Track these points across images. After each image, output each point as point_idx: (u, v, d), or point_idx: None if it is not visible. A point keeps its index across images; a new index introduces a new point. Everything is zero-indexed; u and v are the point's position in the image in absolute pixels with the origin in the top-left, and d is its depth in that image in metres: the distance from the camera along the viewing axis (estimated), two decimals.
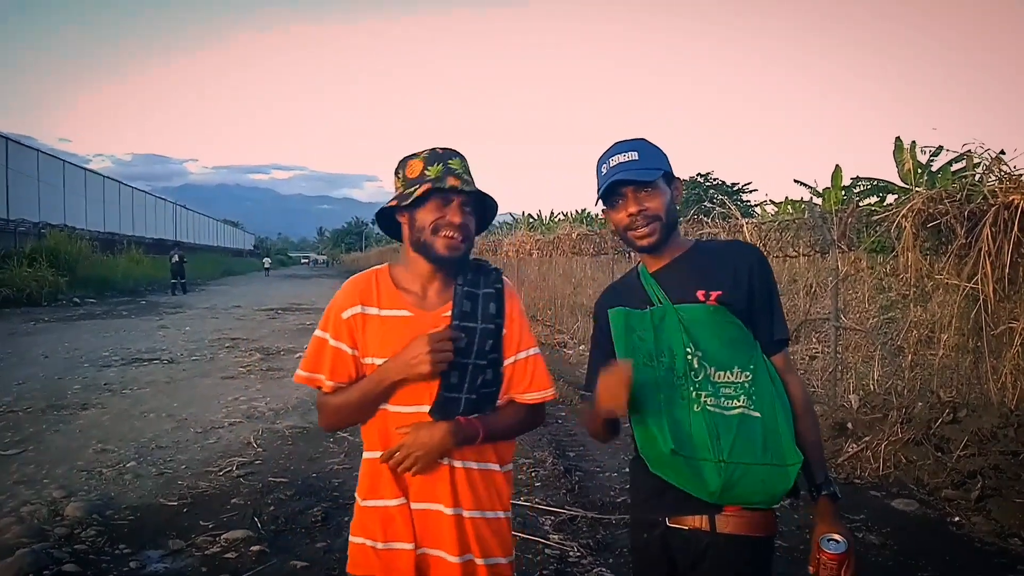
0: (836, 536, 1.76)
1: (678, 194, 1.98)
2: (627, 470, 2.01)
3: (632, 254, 11.36)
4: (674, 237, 1.96)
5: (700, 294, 1.84)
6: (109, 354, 11.54)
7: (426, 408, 1.87)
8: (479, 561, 1.89)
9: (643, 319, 1.90)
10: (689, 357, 1.83)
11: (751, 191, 34.70)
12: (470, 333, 1.89)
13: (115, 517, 4.61)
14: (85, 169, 37.60)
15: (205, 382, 9.39)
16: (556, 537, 4.32)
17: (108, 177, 41.12)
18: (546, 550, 4.14)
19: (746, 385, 1.82)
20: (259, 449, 6.23)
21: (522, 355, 1.98)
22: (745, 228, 8.45)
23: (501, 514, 1.97)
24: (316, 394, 1.98)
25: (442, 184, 1.83)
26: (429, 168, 1.87)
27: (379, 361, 1.88)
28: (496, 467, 1.97)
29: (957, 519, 4.63)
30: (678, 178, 2.00)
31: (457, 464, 1.89)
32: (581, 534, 4.40)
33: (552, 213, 38.96)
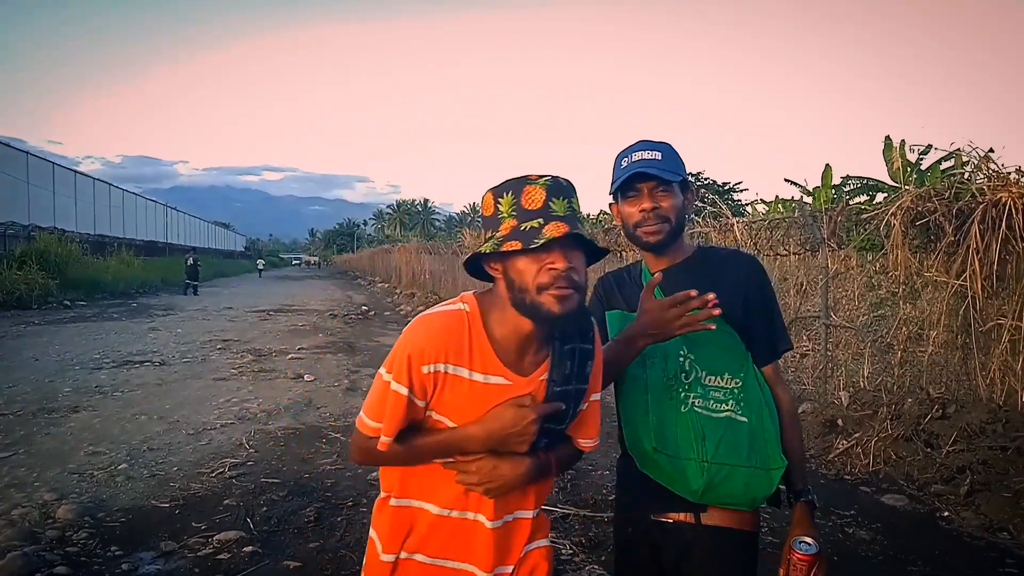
0: (807, 539, 1.81)
1: (690, 204, 2.00)
2: (616, 465, 2.06)
3: (623, 255, 11.38)
4: (679, 242, 1.98)
5: (693, 293, 1.79)
6: (100, 356, 11.49)
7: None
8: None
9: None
10: (682, 360, 1.88)
11: (742, 190, 34.79)
12: (569, 398, 1.63)
13: (107, 519, 4.60)
14: (75, 171, 37.44)
15: (197, 384, 9.36)
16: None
17: (98, 179, 40.96)
18: None
19: (735, 391, 1.87)
20: (251, 450, 6.22)
21: (594, 399, 1.75)
22: (736, 227, 8.49)
23: (540, 544, 1.78)
24: (357, 431, 1.66)
25: (544, 230, 1.49)
26: (555, 202, 1.53)
27: (451, 424, 1.61)
28: (529, 514, 1.74)
29: (946, 514, 4.67)
30: (692, 188, 2.02)
31: (497, 524, 1.68)
32: (573, 532, 4.42)
33: None
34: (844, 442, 5.80)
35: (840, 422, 6.13)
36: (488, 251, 1.55)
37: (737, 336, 1.90)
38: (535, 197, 1.52)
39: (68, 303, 22.47)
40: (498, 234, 1.54)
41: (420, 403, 1.58)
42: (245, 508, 4.80)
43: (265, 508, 4.82)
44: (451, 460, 1.64)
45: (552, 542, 4.16)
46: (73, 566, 3.91)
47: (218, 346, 12.98)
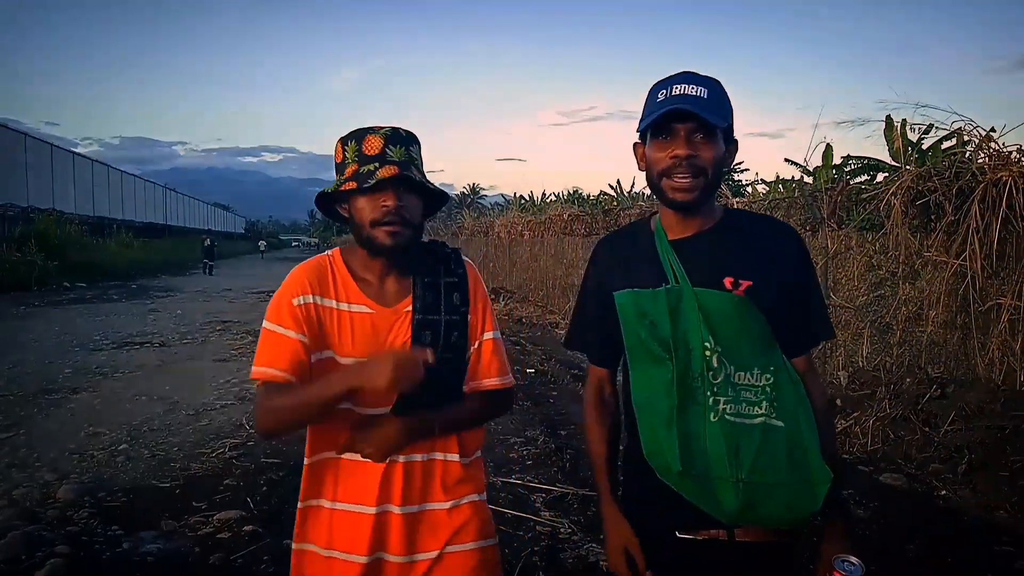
0: (852, 559, 1.54)
1: (732, 159, 1.65)
2: (626, 487, 1.83)
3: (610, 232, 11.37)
4: (709, 203, 1.64)
5: (728, 281, 1.56)
6: (100, 338, 11.50)
7: (385, 408, 1.73)
8: (450, 549, 1.80)
9: (657, 301, 1.60)
10: (708, 354, 1.56)
11: (742, 171, 34.70)
12: (434, 327, 1.77)
13: (107, 499, 4.62)
14: (73, 152, 37.32)
15: (197, 365, 9.38)
16: (547, 514, 4.36)
17: (97, 161, 40.84)
18: (537, 527, 4.17)
19: (768, 389, 1.57)
20: (251, 430, 6.23)
21: (486, 337, 1.86)
22: (736, 207, 8.47)
23: (446, 505, 1.82)
24: (256, 393, 1.77)
25: (377, 172, 1.66)
26: (392, 148, 1.70)
27: (341, 359, 1.74)
28: (455, 457, 1.84)
29: (944, 493, 4.68)
30: (736, 141, 1.67)
31: (400, 459, 1.77)
32: (572, 511, 4.43)
33: (544, 194, 38.89)
34: (843, 422, 5.81)
35: (839, 402, 6.15)
36: (330, 191, 1.75)
37: (767, 324, 1.58)
38: (374, 144, 1.70)
39: (67, 285, 22.50)
40: (342, 178, 1.72)
41: (300, 337, 1.71)
42: (245, 488, 4.82)
43: (265, 488, 4.83)
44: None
45: (551, 521, 4.20)
46: (74, 545, 3.92)
47: (218, 327, 13.00)
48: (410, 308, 1.78)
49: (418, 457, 1.79)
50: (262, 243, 74.29)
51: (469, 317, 1.83)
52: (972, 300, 5.35)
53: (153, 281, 27.13)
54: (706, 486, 1.55)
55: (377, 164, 1.67)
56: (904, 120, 7.41)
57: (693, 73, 1.60)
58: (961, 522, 4.31)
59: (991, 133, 5.65)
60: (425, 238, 1.88)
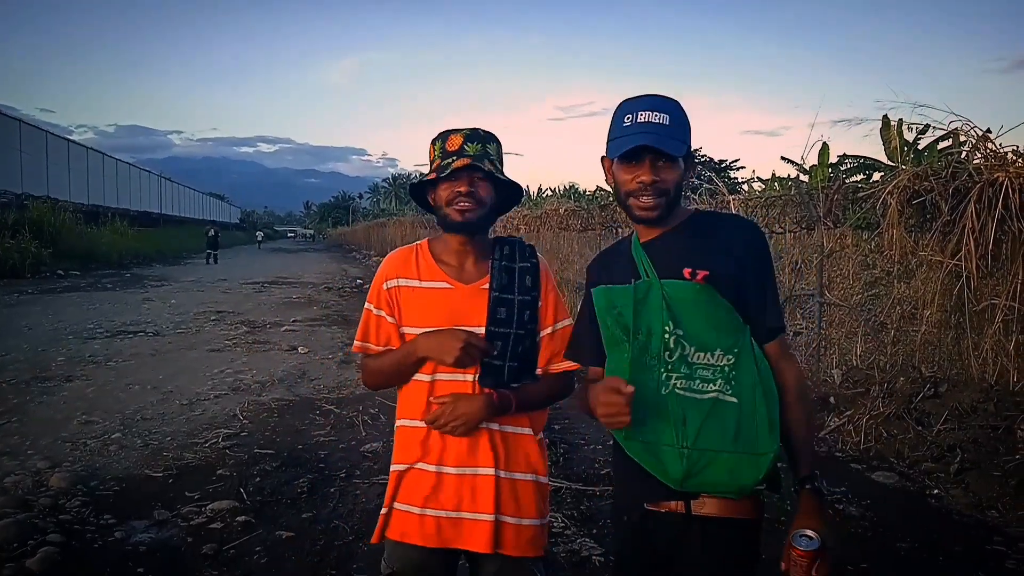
0: (809, 532, 1.65)
1: (691, 173, 1.87)
2: (611, 442, 1.98)
3: (619, 230, 11.35)
4: (674, 211, 1.83)
5: (687, 272, 1.72)
6: (94, 326, 11.48)
7: (468, 377, 1.98)
8: (509, 520, 2.00)
9: (625, 294, 1.81)
10: (667, 336, 1.74)
11: (739, 168, 34.74)
12: (508, 304, 2.01)
13: (100, 488, 4.61)
14: (68, 140, 37.15)
15: (191, 355, 9.36)
16: None
17: (92, 148, 40.67)
18: None
19: (726, 369, 1.72)
20: (245, 421, 6.23)
21: (559, 326, 2.08)
22: (732, 204, 8.47)
23: (530, 477, 2.05)
24: (359, 358, 2.17)
25: (453, 164, 1.94)
26: (469, 145, 1.97)
27: (416, 331, 2.01)
28: (528, 431, 2.07)
29: (936, 491, 4.70)
30: (693, 157, 1.89)
31: (494, 427, 2.01)
32: (565, 505, 4.44)
33: (540, 189, 38.86)
34: (836, 420, 5.83)
35: (832, 400, 6.16)
36: (418, 182, 2.10)
37: (732, 310, 1.74)
38: (455, 142, 1.99)
39: (61, 272, 22.43)
40: (429, 171, 2.03)
41: (390, 319, 2.05)
42: (238, 478, 4.82)
43: (258, 478, 4.83)
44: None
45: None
46: (66, 534, 3.92)
47: (212, 317, 12.97)
48: (487, 287, 2.02)
49: (495, 426, 2.02)
50: (259, 234, 74.50)
51: (540, 303, 2.06)
52: (967, 300, 5.36)
53: (147, 270, 27.08)
54: (654, 452, 1.75)
55: (455, 157, 1.95)
56: (901, 120, 7.40)
57: (657, 97, 1.80)
58: (953, 521, 4.33)
59: (987, 133, 5.65)
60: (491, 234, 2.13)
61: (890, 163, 7.79)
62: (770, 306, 1.80)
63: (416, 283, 2.04)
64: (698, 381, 1.73)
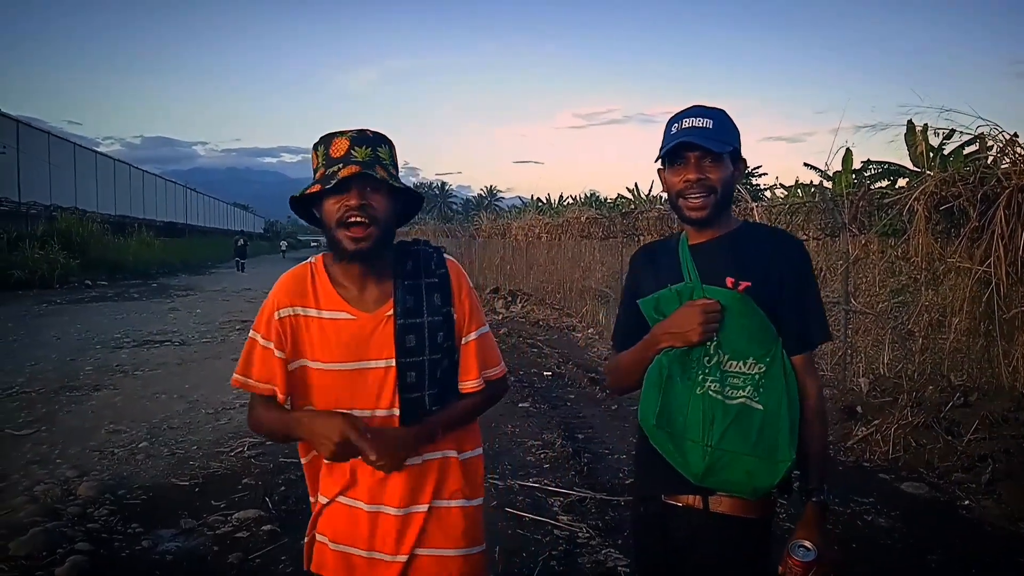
0: (807, 543, 1.72)
1: (740, 175, 1.92)
2: (634, 449, 2.02)
3: (640, 239, 11.32)
4: (724, 215, 1.90)
5: (729, 281, 1.79)
6: (121, 336, 11.61)
7: (384, 412, 1.78)
8: (431, 553, 1.82)
9: (671, 300, 1.86)
10: (708, 342, 1.81)
11: (761, 175, 34.53)
12: (417, 330, 1.79)
13: (127, 497, 4.65)
14: (96, 152, 37.68)
15: (216, 364, 9.43)
16: (565, 519, 4.34)
17: (119, 160, 41.23)
18: (555, 531, 4.15)
19: (756, 377, 1.79)
20: None
21: (473, 336, 1.88)
22: (755, 211, 8.42)
23: (456, 504, 1.86)
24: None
25: (340, 172, 1.68)
26: (356, 150, 1.71)
27: (317, 366, 1.79)
28: (452, 453, 1.87)
29: (967, 503, 4.62)
30: (744, 160, 1.93)
31: (411, 461, 1.79)
32: (590, 516, 4.41)
33: (561, 197, 38.79)
34: (863, 429, 5.75)
35: (859, 409, 6.09)
36: (299, 196, 1.78)
37: (767, 320, 1.80)
38: (340, 147, 1.72)
39: (89, 283, 22.73)
40: (312, 182, 1.75)
41: (279, 353, 1.78)
42: (264, 487, 4.84)
43: (284, 487, 4.85)
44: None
45: (569, 526, 4.19)
46: (94, 542, 3.96)
47: (237, 326, 13.07)
48: (391, 312, 1.79)
49: (417, 460, 1.81)
50: (283, 243, 75.22)
51: (455, 315, 1.85)
52: (996, 307, 5.28)
53: (173, 280, 27.36)
54: (679, 445, 1.81)
55: (341, 165, 1.69)
56: (926, 125, 7.32)
57: (701, 106, 1.89)
58: (984, 533, 4.25)
59: (1015, 138, 5.58)
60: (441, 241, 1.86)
61: (915, 169, 7.70)
62: (811, 318, 1.87)
63: (314, 313, 1.79)
64: (728, 387, 1.79)
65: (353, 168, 1.66)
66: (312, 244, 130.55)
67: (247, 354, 1.82)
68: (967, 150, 7.77)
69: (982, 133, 6.04)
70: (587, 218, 15.07)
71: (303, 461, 1.91)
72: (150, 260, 31.58)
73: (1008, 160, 5.52)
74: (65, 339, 11.21)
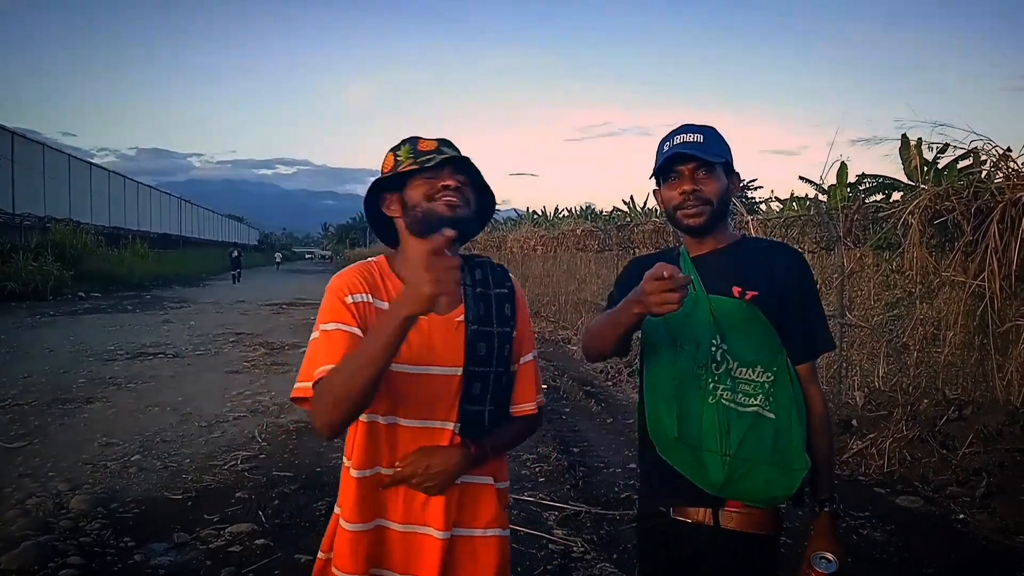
0: (828, 555, 1.73)
1: (735, 187, 1.95)
2: (631, 466, 2.02)
3: (636, 251, 11.34)
4: (721, 227, 1.92)
5: (736, 290, 1.80)
6: (114, 348, 11.56)
7: (438, 424, 1.69)
8: None
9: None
10: (714, 349, 1.81)
11: (756, 188, 34.66)
12: (488, 339, 1.71)
13: (120, 510, 4.62)
14: (90, 163, 37.67)
15: (210, 376, 9.40)
16: (560, 532, 4.32)
17: (113, 172, 41.21)
18: (550, 545, 4.14)
19: (766, 385, 1.80)
20: (263, 443, 6.24)
21: (530, 357, 1.85)
22: (751, 224, 8.44)
23: (491, 533, 1.78)
24: (314, 400, 1.60)
25: (436, 158, 1.67)
26: (445, 148, 1.71)
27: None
28: (490, 480, 1.80)
29: (962, 516, 4.62)
30: (737, 173, 1.96)
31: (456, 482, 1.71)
32: (585, 530, 4.40)
33: (557, 209, 38.84)
34: (858, 443, 5.75)
35: (854, 422, 6.09)
36: (388, 175, 1.71)
37: (772, 329, 1.83)
38: (429, 144, 1.71)
39: (83, 294, 22.66)
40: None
41: (358, 332, 1.60)
42: (257, 501, 4.81)
43: (277, 501, 4.83)
44: (388, 473, 1.70)
45: (563, 540, 4.17)
46: (86, 556, 3.93)
47: (231, 339, 13.03)
48: (462, 318, 1.72)
49: (458, 482, 1.72)
50: (278, 255, 75.45)
51: (514, 333, 1.79)
52: (990, 321, 5.29)
53: (167, 292, 27.28)
54: (697, 456, 1.78)
55: (435, 155, 1.68)
56: (920, 139, 7.36)
57: (691, 124, 1.90)
58: (979, 547, 4.25)
59: (1008, 152, 5.61)
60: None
61: (910, 182, 7.74)
62: (815, 328, 1.90)
63: (385, 306, 1.66)
64: (740, 395, 1.80)
65: (451, 155, 1.68)
66: (307, 256, 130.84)
67: (321, 346, 1.61)
68: (961, 164, 7.82)
69: (976, 147, 6.08)
70: (583, 231, 15.10)
71: (356, 475, 1.73)
72: (144, 272, 31.53)
73: (1001, 174, 5.55)
74: (58, 351, 11.16)
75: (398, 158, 1.72)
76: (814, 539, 1.80)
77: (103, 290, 24.77)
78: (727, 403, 1.79)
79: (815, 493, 1.86)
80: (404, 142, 1.75)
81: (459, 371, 1.69)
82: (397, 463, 1.69)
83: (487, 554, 1.77)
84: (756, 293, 1.79)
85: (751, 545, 1.81)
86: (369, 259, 1.78)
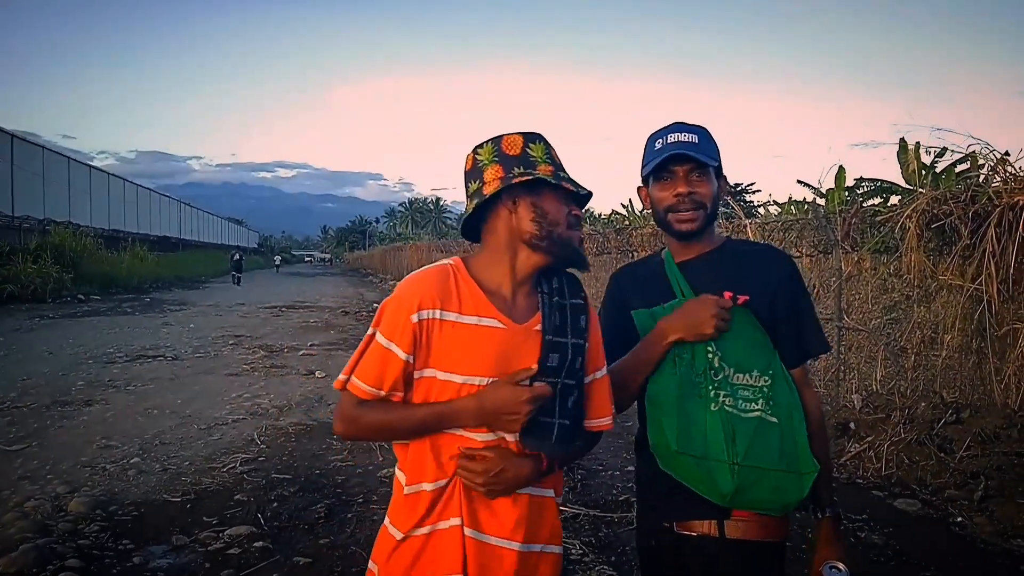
0: (839, 565, 1.71)
1: (723, 192, 1.92)
2: (629, 468, 2.01)
3: (633, 254, 11.35)
4: (709, 231, 1.89)
5: (728, 295, 1.77)
6: (113, 351, 11.56)
7: (495, 436, 1.62)
8: None
9: (667, 313, 1.83)
10: (710, 355, 1.78)
11: (755, 191, 34.74)
12: (562, 350, 1.63)
13: (119, 513, 4.62)
14: (90, 166, 37.66)
15: (209, 379, 9.40)
16: None
17: (113, 174, 41.20)
18: None
19: (765, 390, 1.77)
20: (262, 446, 6.24)
21: (603, 372, 1.77)
22: (749, 228, 8.45)
23: (552, 549, 1.73)
24: (345, 398, 1.64)
25: (564, 182, 1.63)
26: (531, 146, 1.65)
27: (451, 377, 1.58)
28: (551, 493, 1.74)
29: (960, 519, 4.63)
30: (726, 177, 1.94)
31: (523, 491, 1.66)
32: (583, 532, 4.40)
33: None
34: (856, 446, 5.76)
35: (852, 426, 6.10)
36: (515, 180, 1.60)
37: (764, 332, 1.80)
38: (513, 143, 1.65)
39: (82, 297, 22.64)
40: (487, 181, 1.63)
41: (405, 356, 1.57)
42: (256, 503, 4.82)
43: (276, 504, 4.83)
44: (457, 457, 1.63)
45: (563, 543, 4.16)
46: (85, 559, 3.93)
47: (230, 342, 13.03)
48: (539, 327, 1.64)
49: (523, 492, 1.67)
50: (277, 258, 76.00)
51: (587, 345, 1.71)
52: (988, 324, 5.31)
53: (167, 294, 27.25)
54: (704, 467, 1.73)
55: (553, 168, 1.65)
56: (918, 143, 7.41)
57: (684, 123, 1.87)
58: (977, 550, 4.25)
59: (1006, 156, 5.63)
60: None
61: (908, 186, 7.77)
62: (807, 330, 1.88)
63: (457, 317, 1.59)
64: (741, 401, 1.76)
65: (579, 186, 1.66)
66: (305, 259, 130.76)
67: (371, 358, 1.59)
68: (959, 168, 7.84)
69: (974, 152, 6.10)
70: None
71: (409, 490, 1.65)
72: (143, 274, 31.49)
73: (999, 178, 5.56)
74: (57, 354, 11.16)
75: (478, 160, 1.67)
76: (821, 547, 1.77)
77: (102, 292, 24.75)
78: (730, 409, 1.75)
79: (816, 498, 1.82)
80: (486, 141, 1.68)
81: (529, 381, 1.61)
82: (464, 459, 1.62)
83: (544, 570, 1.71)
84: (747, 297, 1.77)
85: (759, 553, 1.78)
86: (444, 262, 1.68)
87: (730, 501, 1.73)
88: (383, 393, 1.59)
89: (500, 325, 1.61)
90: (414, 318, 1.56)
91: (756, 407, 1.76)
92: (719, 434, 1.73)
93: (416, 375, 1.60)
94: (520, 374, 1.58)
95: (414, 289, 1.60)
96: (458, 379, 1.59)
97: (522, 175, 1.60)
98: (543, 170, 1.62)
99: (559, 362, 1.62)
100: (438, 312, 1.58)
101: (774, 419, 1.75)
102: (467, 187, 1.69)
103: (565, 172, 1.66)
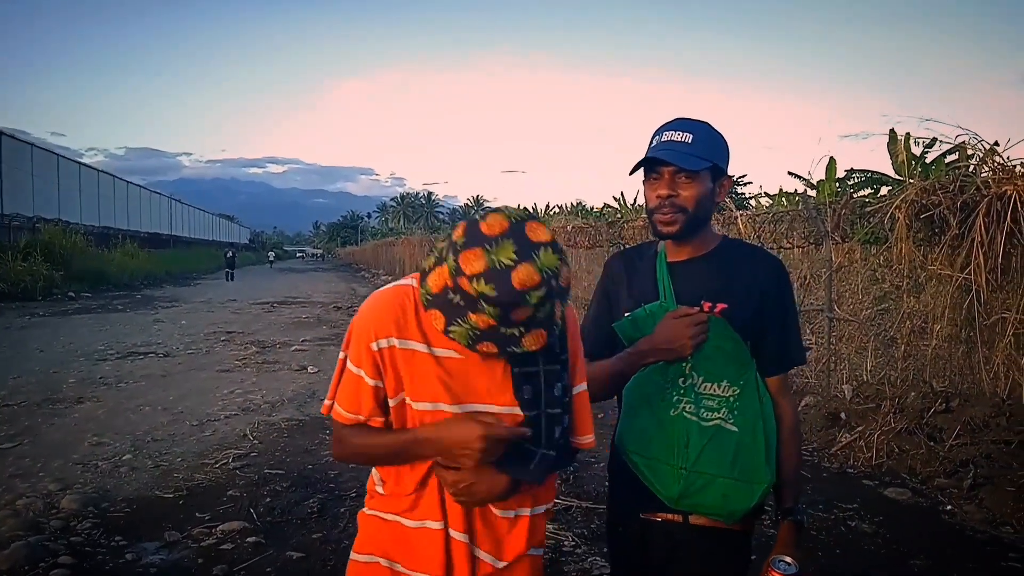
0: (788, 559, 1.74)
1: (722, 193, 1.85)
2: (609, 471, 2.02)
3: (625, 247, 11.38)
4: (701, 232, 1.85)
5: (706, 305, 1.76)
6: (104, 348, 11.52)
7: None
8: None
9: (646, 321, 1.83)
10: (683, 363, 1.79)
11: (746, 183, 34.77)
12: (534, 381, 1.52)
13: (111, 509, 4.62)
14: (79, 163, 37.45)
15: (201, 375, 9.39)
16: (551, 527, 4.34)
17: (103, 171, 40.97)
18: None
19: (730, 399, 1.77)
20: (255, 441, 6.24)
21: (578, 390, 1.66)
22: (740, 220, 8.47)
23: (536, 552, 1.69)
24: (335, 422, 1.60)
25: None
26: (477, 282, 1.43)
27: (414, 404, 1.53)
28: (527, 512, 1.64)
29: (949, 508, 4.66)
30: (728, 176, 1.86)
31: (523, 512, 1.63)
32: (575, 524, 4.43)
33: (548, 206, 38.93)
34: (847, 435, 5.80)
35: (843, 416, 6.13)
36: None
37: (741, 343, 1.78)
38: (474, 268, 1.39)
39: (73, 295, 22.53)
40: (432, 274, 1.46)
41: (372, 382, 1.53)
42: (249, 499, 4.82)
43: (269, 499, 4.83)
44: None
45: (554, 534, 4.19)
46: (77, 556, 3.92)
47: (222, 338, 13.01)
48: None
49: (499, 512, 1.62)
50: (271, 254, 76.50)
51: (568, 367, 1.60)
52: (977, 314, 5.34)
53: (158, 291, 27.16)
54: (655, 468, 1.80)
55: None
56: (908, 134, 7.42)
57: (683, 119, 1.83)
58: (966, 537, 4.29)
59: (995, 147, 5.65)
60: None
61: (897, 177, 7.80)
62: (790, 340, 1.87)
63: (415, 345, 1.52)
64: (703, 409, 1.78)
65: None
66: (297, 255, 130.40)
67: (346, 385, 1.57)
68: (948, 159, 7.86)
69: (963, 142, 6.12)
70: (573, 227, 15.11)
71: (383, 491, 1.65)
72: (134, 271, 31.35)
73: (988, 169, 5.59)
74: (48, 351, 11.11)
75: (470, 293, 1.39)
76: (777, 546, 1.79)
77: (93, 290, 24.65)
78: (689, 416, 1.78)
79: (780, 503, 1.84)
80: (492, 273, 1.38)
81: (506, 410, 1.53)
82: (438, 467, 1.56)
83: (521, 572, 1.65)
84: (725, 306, 1.76)
85: (723, 540, 1.82)
86: (407, 281, 1.57)
87: (676, 503, 1.78)
88: (362, 418, 1.56)
89: (457, 355, 1.52)
90: (374, 347, 1.52)
91: (717, 416, 1.77)
92: (673, 439, 1.78)
93: (392, 401, 1.56)
94: (488, 418, 1.50)
95: (369, 317, 1.55)
96: (427, 406, 1.53)
97: (453, 307, 1.42)
98: (474, 318, 1.40)
99: (533, 394, 1.53)
100: (396, 340, 1.51)
101: (734, 428, 1.76)
102: (435, 246, 1.53)
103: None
